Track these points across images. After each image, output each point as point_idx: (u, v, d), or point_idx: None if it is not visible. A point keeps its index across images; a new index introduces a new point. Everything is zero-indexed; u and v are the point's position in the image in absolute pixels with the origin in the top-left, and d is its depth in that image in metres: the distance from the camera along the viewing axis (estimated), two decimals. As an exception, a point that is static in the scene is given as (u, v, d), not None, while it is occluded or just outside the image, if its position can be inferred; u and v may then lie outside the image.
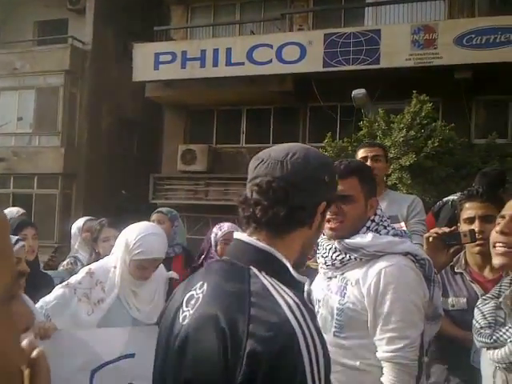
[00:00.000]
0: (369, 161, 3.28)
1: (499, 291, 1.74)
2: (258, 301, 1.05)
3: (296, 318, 1.02)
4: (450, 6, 12.29)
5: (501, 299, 1.68)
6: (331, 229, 1.89)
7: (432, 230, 2.31)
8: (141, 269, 2.52)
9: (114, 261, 2.59)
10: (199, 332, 1.09)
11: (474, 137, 11.90)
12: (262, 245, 1.15)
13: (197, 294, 1.15)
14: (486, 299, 1.75)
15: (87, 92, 15.47)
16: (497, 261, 1.65)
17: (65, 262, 3.93)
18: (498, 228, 1.66)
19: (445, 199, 3.75)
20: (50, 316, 2.44)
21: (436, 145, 8.81)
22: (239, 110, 14.25)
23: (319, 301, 1.92)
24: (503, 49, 10.67)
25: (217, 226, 3.49)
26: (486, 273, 2.29)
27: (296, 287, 1.11)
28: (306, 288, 1.14)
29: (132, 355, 2.48)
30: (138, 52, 13.73)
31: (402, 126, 9.20)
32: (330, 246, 1.90)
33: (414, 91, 9.60)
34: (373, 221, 1.91)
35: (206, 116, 14.45)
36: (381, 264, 1.79)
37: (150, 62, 13.43)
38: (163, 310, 1.31)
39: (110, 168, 15.36)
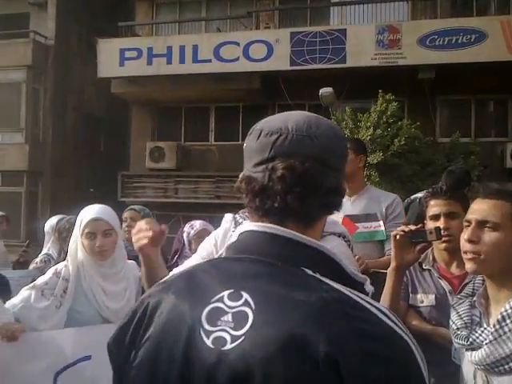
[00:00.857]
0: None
1: (473, 289, 1.76)
2: (350, 311, 0.82)
3: (397, 325, 0.83)
4: (413, 8, 12.55)
5: (475, 298, 1.70)
6: None
7: (399, 228, 2.35)
8: (91, 238, 2.50)
9: (71, 249, 2.58)
10: (278, 361, 0.78)
11: (438, 135, 12.20)
12: (309, 239, 0.91)
13: (234, 308, 0.85)
14: (460, 298, 1.77)
15: (51, 88, 15.15)
16: (469, 268, 1.66)
17: (38, 260, 3.87)
18: (465, 236, 1.65)
19: (412, 196, 3.84)
20: (19, 319, 2.41)
21: (402, 143, 9.00)
22: (207, 108, 14.21)
23: None
24: (465, 49, 10.96)
25: (188, 225, 3.47)
26: (453, 269, 2.35)
27: (356, 287, 0.89)
28: (368, 289, 0.94)
29: (89, 357, 2.43)
30: (102, 48, 13.53)
31: (368, 124, 9.37)
32: None
33: (380, 90, 9.77)
34: None
35: (174, 113, 14.36)
36: (328, 243, 1.80)
37: (115, 58, 13.24)
38: (133, 329, 0.96)
39: (76, 165, 15.11)
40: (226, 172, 12.99)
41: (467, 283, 2.18)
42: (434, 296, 2.29)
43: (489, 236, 1.60)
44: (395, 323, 0.83)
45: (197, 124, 14.36)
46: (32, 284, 2.52)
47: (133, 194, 13.67)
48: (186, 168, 13.78)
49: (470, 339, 1.59)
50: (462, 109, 12.54)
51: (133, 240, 1.68)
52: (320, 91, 9.97)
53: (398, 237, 2.23)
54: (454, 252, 2.30)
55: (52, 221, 4.10)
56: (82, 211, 2.61)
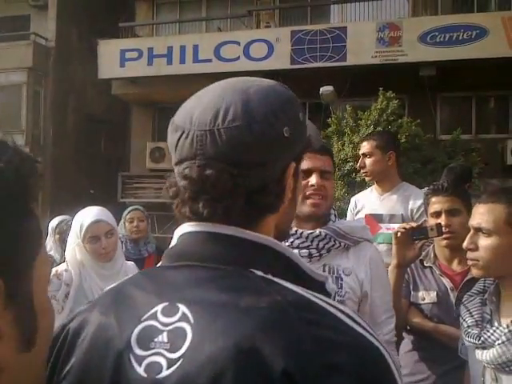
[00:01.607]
0: (360, 158, 3.23)
1: (484, 286, 1.75)
2: (309, 316, 0.69)
3: (367, 331, 0.71)
4: (414, 4, 12.50)
5: (486, 295, 1.69)
6: (314, 205, 1.74)
7: (400, 225, 2.34)
8: (95, 242, 2.50)
9: (70, 254, 2.57)
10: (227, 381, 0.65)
11: (439, 133, 12.16)
12: (255, 235, 0.78)
13: (169, 324, 0.71)
14: (471, 295, 1.76)
15: (52, 89, 15.16)
16: (473, 273, 1.69)
17: None
18: (464, 244, 1.67)
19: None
20: None
21: (403, 141, 8.97)
22: (208, 108, 14.19)
23: None
24: (466, 46, 10.92)
25: None
26: (455, 266, 2.34)
27: (315, 288, 0.76)
28: (330, 288, 0.81)
29: None
30: (103, 49, 13.53)
31: (369, 122, 9.33)
32: (314, 233, 1.74)
33: (381, 88, 9.74)
34: (333, 208, 1.88)
35: (174, 113, 14.17)
36: (366, 252, 1.81)
37: (115, 59, 13.25)
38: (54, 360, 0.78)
39: (77, 167, 15.11)
40: (228, 172, 12.98)
41: (469, 280, 2.17)
42: (435, 293, 2.28)
43: (484, 242, 1.60)
44: (364, 328, 0.71)
45: (197, 124, 14.33)
46: None
47: (133, 195, 13.67)
48: (187, 168, 13.75)
49: (482, 338, 1.58)
50: (463, 106, 12.51)
51: None
52: (320, 89, 9.94)
53: (399, 234, 2.22)
54: (455, 249, 2.29)
55: (53, 222, 4.09)
56: (78, 215, 2.60)
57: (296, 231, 1.73)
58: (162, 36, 13.94)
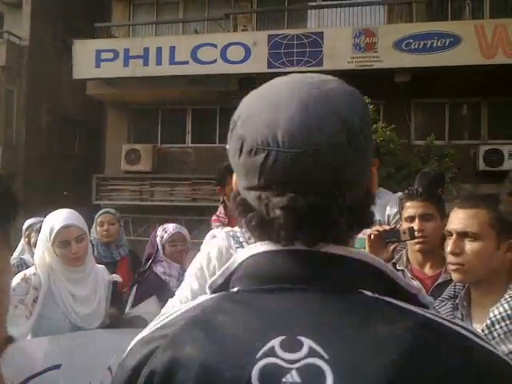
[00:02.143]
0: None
1: (454, 291, 1.77)
2: (442, 340, 0.63)
3: (490, 344, 0.66)
4: (389, 11, 12.69)
5: (457, 300, 1.70)
6: None
7: (373, 228, 2.36)
8: (64, 247, 2.45)
9: (39, 257, 2.52)
10: None
11: (413, 138, 12.34)
12: (352, 250, 0.70)
13: (296, 361, 0.62)
14: (442, 300, 1.77)
15: (25, 89, 14.92)
16: (455, 277, 1.68)
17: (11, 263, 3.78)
18: (448, 249, 1.66)
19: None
20: None
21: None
22: (184, 110, 14.13)
23: None
24: (440, 53, 11.10)
25: (161, 229, 3.39)
26: (427, 270, 2.37)
27: (413, 302, 0.70)
28: (427, 301, 0.72)
29: (58, 366, 2.36)
30: (78, 49, 13.37)
31: (345, 127, 9.40)
32: None
33: (356, 93, 9.83)
34: None
35: (151, 115, 14.26)
36: None
37: (90, 60, 13.10)
38: None
39: (50, 168, 14.88)
40: (203, 174, 12.93)
41: (439, 284, 2.19)
42: None
43: (470, 246, 1.62)
44: (494, 347, 0.66)
45: (173, 126, 14.27)
46: None
47: (108, 197, 13.51)
48: (163, 170, 13.68)
49: None
50: (437, 112, 12.71)
51: None
52: (297, 94, 9.99)
53: (372, 236, 2.23)
54: (427, 253, 2.31)
55: (26, 224, 4.04)
56: (48, 218, 2.54)
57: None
58: (138, 37, 13.82)
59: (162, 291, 2.95)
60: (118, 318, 2.73)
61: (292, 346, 0.62)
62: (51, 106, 15.42)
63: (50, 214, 2.56)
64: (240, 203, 0.73)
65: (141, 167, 13.50)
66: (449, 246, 1.66)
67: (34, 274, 2.49)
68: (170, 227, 3.37)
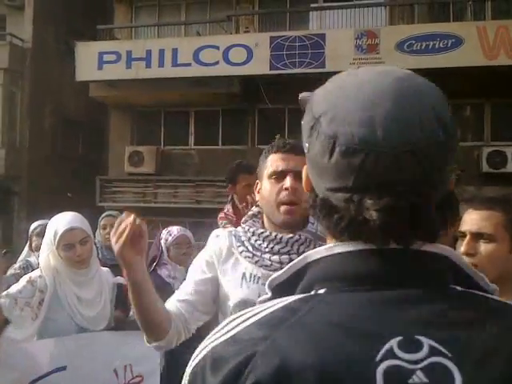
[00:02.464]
0: None
1: None
2: None
3: None
4: (391, 13, 12.68)
5: None
6: (287, 212, 1.63)
7: None
8: (69, 250, 2.47)
9: (44, 260, 2.54)
10: None
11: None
12: (446, 248, 0.69)
13: (419, 362, 0.60)
14: None
15: (28, 91, 14.96)
16: None
17: (16, 266, 3.82)
18: (462, 249, 1.65)
19: None
20: None
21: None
22: (187, 112, 14.14)
23: None
24: (442, 54, 11.10)
25: (165, 231, 3.39)
26: None
27: (483, 291, 0.71)
28: (491, 288, 0.73)
29: (64, 368, 2.41)
30: (80, 51, 13.39)
31: (347, 128, 9.41)
32: (293, 237, 1.64)
33: (359, 95, 9.84)
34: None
35: (153, 117, 14.27)
36: None
37: (93, 62, 13.11)
38: None
39: (54, 170, 14.92)
40: (206, 176, 12.94)
41: None
42: None
43: (485, 248, 1.61)
44: None
45: (176, 128, 14.28)
46: (5, 292, 2.48)
47: (111, 199, 13.53)
48: (166, 172, 13.69)
49: None
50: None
51: (112, 243, 1.53)
52: (299, 96, 9.96)
53: None
54: None
55: (32, 226, 4.07)
56: (52, 221, 2.57)
57: (275, 236, 1.66)
58: (140, 39, 13.85)
59: (167, 294, 2.94)
60: (122, 321, 2.75)
61: (411, 346, 0.60)
62: (54, 108, 15.45)
63: (54, 217, 2.58)
64: (322, 204, 0.69)
65: (144, 169, 13.52)
66: (462, 246, 1.65)
67: (40, 276, 2.51)
68: (175, 230, 3.37)
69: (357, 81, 0.70)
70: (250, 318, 0.67)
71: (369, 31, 11.66)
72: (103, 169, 14.53)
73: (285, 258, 1.64)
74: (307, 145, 0.71)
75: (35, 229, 3.99)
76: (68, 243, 2.47)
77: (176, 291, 1.83)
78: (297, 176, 1.62)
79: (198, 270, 1.78)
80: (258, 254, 1.66)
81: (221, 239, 1.77)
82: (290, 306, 0.66)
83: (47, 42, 15.43)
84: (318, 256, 0.69)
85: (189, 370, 0.67)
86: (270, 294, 0.71)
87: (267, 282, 0.72)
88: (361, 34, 11.62)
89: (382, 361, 0.59)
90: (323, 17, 13.03)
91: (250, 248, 1.68)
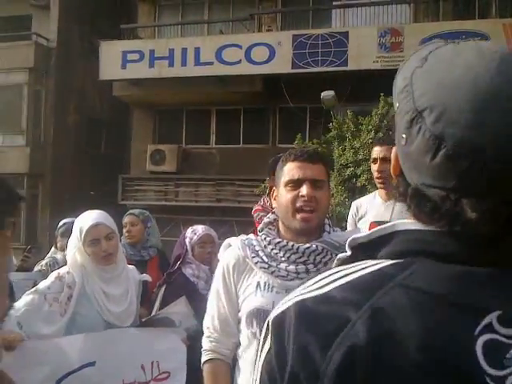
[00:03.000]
0: (378, 162, 3.00)
1: None
2: None
3: None
4: (415, 10, 12.53)
5: None
6: (304, 219, 1.64)
7: None
8: (95, 245, 2.49)
9: (71, 257, 2.57)
10: None
11: (439, 138, 12.17)
12: None
13: None
14: None
15: (53, 90, 15.15)
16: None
17: (43, 262, 3.88)
18: None
19: None
20: (21, 323, 2.40)
21: (404, 147, 8.99)
22: (209, 111, 14.19)
23: None
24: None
25: (190, 230, 3.38)
26: None
27: None
28: None
29: (93, 363, 2.44)
30: (104, 50, 13.54)
31: (370, 127, 9.33)
32: (310, 247, 1.65)
33: (382, 94, 9.75)
34: (327, 218, 1.79)
35: (176, 116, 14.35)
36: None
37: (117, 61, 13.25)
38: None
39: (77, 167, 15.10)
40: (227, 175, 12.98)
41: None
42: None
43: None
44: None
45: (198, 127, 14.34)
46: (34, 288, 2.52)
47: (133, 197, 13.66)
48: (187, 171, 13.76)
49: None
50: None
51: None
52: (322, 94, 9.95)
53: None
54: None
55: (60, 224, 4.13)
56: (78, 218, 2.61)
57: (292, 246, 1.67)
58: (163, 38, 13.94)
59: (191, 293, 2.96)
60: (147, 319, 2.77)
61: (510, 321, 0.59)
62: (78, 107, 15.63)
63: (80, 216, 2.62)
64: (414, 194, 0.67)
65: (166, 168, 13.60)
66: None
67: (68, 272, 2.54)
68: (199, 229, 3.36)
69: (470, 73, 0.63)
70: (341, 278, 0.66)
71: (392, 29, 11.55)
72: (125, 167, 14.67)
73: (301, 268, 1.64)
74: (404, 136, 0.66)
75: (59, 228, 4.04)
76: (93, 238, 2.50)
77: (210, 318, 1.85)
78: (313, 184, 1.64)
79: (221, 288, 1.79)
80: (274, 264, 1.67)
81: (234, 250, 1.78)
82: (384, 271, 0.64)
83: (72, 42, 15.60)
84: (411, 227, 0.68)
85: (271, 317, 0.67)
86: (349, 253, 0.70)
87: (348, 241, 0.71)
88: (384, 31, 11.52)
89: (481, 334, 0.59)
90: (346, 14, 12.94)
91: (265, 258, 1.69)
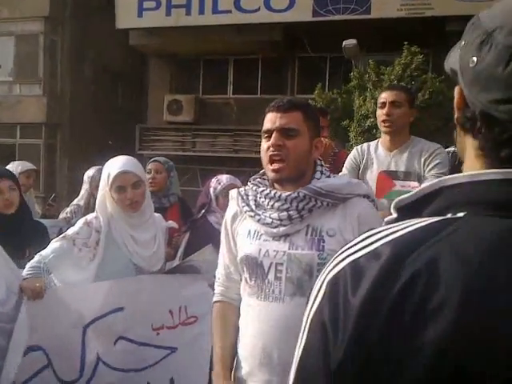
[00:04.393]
0: (387, 106, 2.95)
1: None
2: None
3: None
4: (443, -46, 11.99)
5: None
6: (274, 170, 1.68)
7: None
8: (121, 192, 2.49)
9: (100, 201, 2.58)
10: None
11: (463, 90, 11.86)
12: None
13: None
14: None
15: (69, 40, 14.99)
16: None
17: (68, 210, 3.91)
18: None
19: (447, 150, 3.69)
20: (49, 270, 2.44)
21: (427, 97, 8.76)
22: (226, 60, 13.96)
23: (278, 264, 1.68)
24: (496, 1, 10.49)
25: (215, 180, 3.39)
26: None
27: None
28: None
29: (121, 309, 2.49)
30: (120, -2, 13.26)
31: (392, 77, 9.10)
32: (291, 194, 1.67)
33: (406, 42, 9.46)
34: (321, 165, 1.78)
35: (193, 66, 14.15)
36: (354, 209, 1.69)
37: (133, 9, 13.00)
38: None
39: (94, 117, 15.07)
40: (244, 126, 12.86)
41: None
42: None
43: None
44: None
45: (215, 77, 14.15)
46: (63, 235, 2.55)
47: (150, 147, 13.66)
48: (204, 121, 13.67)
49: None
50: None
51: None
52: (344, 43, 9.67)
53: None
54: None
55: (89, 172, 4.13)
56: (107, 164, 2.59)
57: (275, 194, 1.70)
58: (180, -15, 13.59)
59: (215, 240, 2.96)
60: (174, 266, 2.79)
61: None
62: (95, 57, 15.48)
63: (110, 160, 2.61)
64: (482, 117, 0.68)
65: (183, 118, 13.52)
66: None
67: (96, 217, 2.56)
68: (224, 179, 3.36)
69: None
70: (389, 235, 0.67)
71: (418, -26, 11.08)
72: (142, 117, 14.62)
73: (283, 214, 1.67)
74: (474, 59, 0.69)
75: (86, 176, 4.09)
76: (120, 185, 2.49)
77: (219, 265, 1.96)
78: (283, 133, 1.67)
79: (223, 239, 1.89)
80: (260, 212, 1.72)
81: (232, 201, 1.85)
82: (430, 227, 0.65)
83: (87, -11, 15.31)
84: (456, 181, 0.68)
85: (327, 278, 0.69)
86: (395, 215, 0.71)
87: (393, 203, 0.72)
88: (409, -23, 11.06)
89: None
90: (370, -40, 12.42)
91: (254, 207, 1.75)
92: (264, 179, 1.80)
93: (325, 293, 0.67)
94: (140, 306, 2.51)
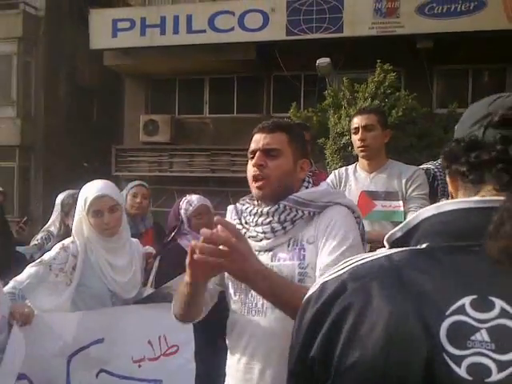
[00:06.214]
0: (360, 131, 2.99)
1: None
2: None
3: None
4: (412, -25, 12.27)
5: None
6: (256, 188, 1.73)
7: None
8: (98, 216, 2.47)
9: (76, 226, 2.56)
10: None
11: (435, 106, 12.07)
12: None
13: (486, 321, 0.63)
14: None
15: (42, 60, 14.88)
16: None
17: (38, 236, 3.83)
18: None
19: (421, 167, 3.74)
20: (24, 296, 2.39)
21: (400, 114, 8.89)
22: (202, 80, 14.00)
23: None
24: (463, 18, 10.77)
25: (185, 201, 3.29)
26: None
27: None
28: None
29: (101, 340, 2.45)
30: (94, 18, 13.25)
31: (366, 95, 9.23)
32: (272, 208, 1.70)
33: (378, 60, 9.61)
34: (308, 182, 1.80)
35: (168, 85, 14.15)
36: (330, 213, 1.68)
37: (107, 29, 12.99)
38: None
39: (69, 139, 14.93)
40: (221, 145, 12.88)
41: None
42: None
43: None
44: None
45: (191, 96, 14.17)
46: (39, 260, 2.51)
47: (127, 168, 13.55)
48: (181, 141, 13.64)
49: None
50: (459, 79, 12.39)
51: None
52: (317, 61, 9.79)
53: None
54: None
55: (59, 197, 4.06)
56: (84, 188, 2.57)
57: (257, 210, 1.73)
58: (154, 5, 13.64)
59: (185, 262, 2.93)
60: (149, 294, 2.76)
61: (483, 305, 0.63)
62: (69, 77, 15.39)
63: (86, 185, 2.58)
64: (467, 142, 0.77)
65: (159, 138, 13.47)
66: None
67: (72, 242, 2.53)
68: (195, 200, 3.28)
69: None
70: (369, 257, 0.76)
71: (388, -6, 11.33)
72: (118, 137, 14.52)
73: (266, 227, 1.71)
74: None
75: (58, 201, 4.00)
76: (97, 210, 2.47)
77: None
78: (265, 153, 1.72)
79: None
80: (247, 226, 1.77)
81: (227, 214, 1.88)
82: (390, 257, 0.73)
83: (61, 10, 15.26)
84: (429, 214, 0.74)
85: (329, 278, 0.76)
86: (388, 247, 0.78)
87: (386, 237, 0.79)
88: (380, -3, 11.29)
89: (451, 315, 0.64)
90: (341, -20, 12.65)
91: (243, 221, 1.79)
92: (252, 199, 1.83)
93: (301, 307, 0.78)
94: (118, 337, 2.47)
